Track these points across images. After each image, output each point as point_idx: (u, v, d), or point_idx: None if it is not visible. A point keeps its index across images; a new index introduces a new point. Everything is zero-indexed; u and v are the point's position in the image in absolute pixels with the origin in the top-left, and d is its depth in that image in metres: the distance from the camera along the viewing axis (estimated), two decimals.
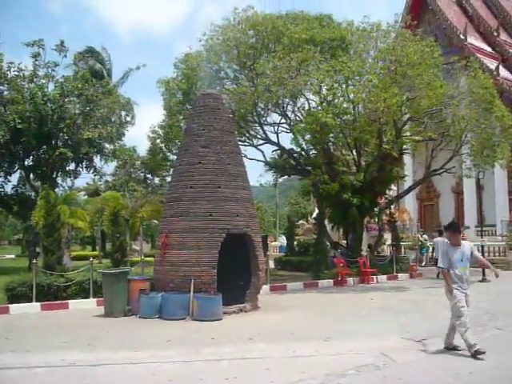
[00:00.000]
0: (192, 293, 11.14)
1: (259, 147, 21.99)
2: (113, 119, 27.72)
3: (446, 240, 8.47)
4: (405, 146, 21.20)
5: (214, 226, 11.67)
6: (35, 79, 25.12)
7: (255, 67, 17.11)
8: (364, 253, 20.33)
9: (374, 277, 18.69)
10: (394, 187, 28.27)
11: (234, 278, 12.23)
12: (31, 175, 26.72)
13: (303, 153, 20.88)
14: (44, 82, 25.44)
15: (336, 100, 16.55)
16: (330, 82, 16.13)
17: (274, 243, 33.99)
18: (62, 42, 26.14)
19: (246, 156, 22.50)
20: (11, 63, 25.03)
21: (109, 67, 43.99)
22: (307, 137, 18.69)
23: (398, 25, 17.33)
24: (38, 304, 12.55)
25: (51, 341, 9.00)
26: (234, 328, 10.19)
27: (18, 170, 26.68)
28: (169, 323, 10.72)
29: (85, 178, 76.87)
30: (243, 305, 12.03)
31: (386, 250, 25.41)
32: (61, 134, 25.11)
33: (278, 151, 21.73)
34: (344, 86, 16.69)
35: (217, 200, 11.85)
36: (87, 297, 13.17)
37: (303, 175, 21.68)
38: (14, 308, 12.33)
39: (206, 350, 8.19)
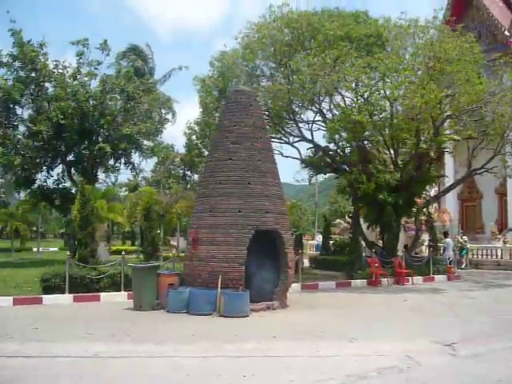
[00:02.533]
0: (219, 289, 11.14)
1: (295, 145, 21.89)
2: (152, 116, 28.05)
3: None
4: (445, 145, 20.66)
5: (243, 223, 11.64)
6: (78, 77, 25.68)
7: (290, 64, 16.97)
8: (400, 253, 19.95)
9: (410, 278, 18.29)
10: (435, 187, 27.63)
11: (264, 274, 12.16)
12: (72, 170, 27.29)
13: (338, 151, 20.62)
14: (86, 79, 26.02)
15: (371, 97, 16.21)
16: (365, 78, 15.83)
17: (310, 242, 33.75)
18: (105, 41, 26.63)
19: (281, 154, 22.49)
20: (56, 61, 25.70)
21: (151, 65, 44.72)
22: (340, 135, 18.42)
23: (436, 21, 16.85)
24: (71, 295, 12.80)
25: (77, 332, 9.13)
26: (259, 325, 10.14)
27: (60, 165, 27.29)
28: (195, 318, 10.75)
29: (127, 174, 78.15)
30: (271, 302, 11.95)
31: (425, 250, 24.80)
32: (101, 130, 25.57)
33: (313, 149, 21.49)
34: (380, 83, 16.35)
35: (246, 196, 11.81)
36: (118, 290, 13.36)
37: (339, 173, 21.43)
38: (47, 299, 12.62)
39: (227, 347, 8.16)
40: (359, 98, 16.98)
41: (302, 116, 19.96)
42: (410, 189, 19.71)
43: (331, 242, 25.87)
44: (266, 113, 19.08)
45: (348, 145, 20.14)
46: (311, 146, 20.89)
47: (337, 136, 19.27)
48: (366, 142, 19.86)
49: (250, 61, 18.46)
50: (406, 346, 8.32)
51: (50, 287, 13.06)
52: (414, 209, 20.86)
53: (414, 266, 19.02)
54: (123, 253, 13.99)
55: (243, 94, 12.74)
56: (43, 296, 12.73)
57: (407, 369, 7.02)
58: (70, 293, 12.86)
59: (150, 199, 19.33)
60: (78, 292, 13.03)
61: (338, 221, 34.97)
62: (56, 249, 44.17)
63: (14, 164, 23.58)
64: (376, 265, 17.61)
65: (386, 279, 17.75)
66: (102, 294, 13.16)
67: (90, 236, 13.81)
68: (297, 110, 19.34)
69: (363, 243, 21.16)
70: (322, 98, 18.27)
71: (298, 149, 21.47)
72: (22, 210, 35.10)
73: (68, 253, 13.86)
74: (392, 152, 20.07)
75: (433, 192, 26.44)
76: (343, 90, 17.15)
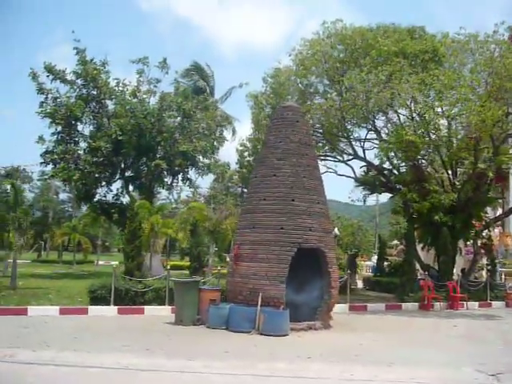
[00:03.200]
0: (259, 306, 10.97)
1: (349, 163, 21.53)
2: (210, 134, 28.38)
3: None
4: (508, 165, 19.68)
5: (285, 240, 11.46)
6: (138, 94, 26.47)
7: (343, 81, 16.71)
8: (455, 277, 19.08)
9: (464, 303, 17.40)
10: (498, 209, 26.32)
11: (307, 293, 11.86)
12: (130, 185, 27.98)
13: (394, 170, 20.08)
14: (145, 96, 26.78)
15: (426, 115, 15.65)
16: (419, 96, 15.32)
17: (367, 263, 32.95)
18: (165, 60, 27.40)
19: (336, 172, 22.16)
20: (117, 79, 26.65)
21: (212, 84, 45.60)
22: (394, 153, 17.94)
23: (497, 35, 16.13)
24: (115, 307, 12.99)
25: (114, 343, 9.24)
26: (296, 345, 9.88)
27: (119, 180, 28.06)
28: (233, 335, 10.64)
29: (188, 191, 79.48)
30: (313, 322, 11.65)
31: (485, 275, 23.61)
32: (158, 147, 26.13)
33: (366, 167, 21.03)
34: (436, 101, 15.76)
35: (289, 213, 11.64)
36: (163, 303, 13.42)
37: (393, 193, 20.84)
38: (93, 310, 12.87)
39: (260, 365, 7.99)
40: (414, 115, 16.47)
41: (354, 134, 19.61)
42: (467, 210, 18.86)
43: (386, 263, 25.14)
44: (316, 130, 18.89)
45: (403, 163, 19.55)
46: (364, 164, 20.47)
47: (391, 154, 18.75)
48: (421, 161, 19.22)
49: (302, 77, 18.35)
50: (446, 373, 7.90)
51: (97, 298, 13.32)
52: (472, 231, 19.89)
53: (471, 291, 18.09)
54: (168, 267, 14.08)
55: (290, 110, 12.65)
56: (89, 307, 12.99)
57: None
58: (115, 305, 13.06)
59: (200, 215, 19.41)
60: (122, 304, 13.21)
61: (395, 242, 33.96)
62: (117, 262, 45.15)
63: (72, 179, 24.44)
64: (429, 288, 16.86)
65: (439, 303, 16.97)
66: (147, 308, 13.27)
67: (137, 249, 14.00)
68: (349, 127, 19.03)
69: (418, 265, 20.38)
70: (375, 115, 17.88)
71: (352, 167, 21.12)
72: (83, 224, 36.25)
73: (114, 265, 14.05)
74: (450, 172, 19.33)
75: (496, 213, 25.21)
76: (397, 107, 16.68)
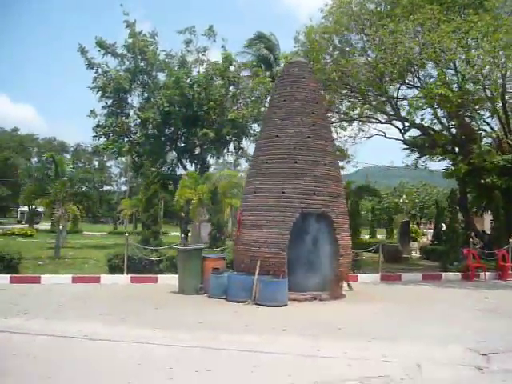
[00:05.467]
0: (256, 275, 10.39)
1: (398, 125, 20.07)
2: (260, 101, 27.66)
3: None
4: None
5: (287, 205, 10.75)
6: (184, 64, 26.26)
7: (372, 35, 15.30)
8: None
9: None
10: None
11: (317, 262, 11.08)
12: (183, 156, 28.02)
13: (443, 130, 18.42)
14: (193, 66, 26.54)
15: (459, 66, 13.96)
16: (451, 44, 13.65)
17: (431, 231, 31.19)
18: (211, 27, 26.98)
19: (385, 134, 20.85)
20: (164, 50, 26.59)
21: (277, 52, 44.55)
22: (441, 113, 16.36)
23: None
24: (128, 276, 12.93)
25: (95, 311, 9.09)
26: (284, 317, 9.22)
27: (174, 152, 28.18)
28: (228, 305, 10.20)
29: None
30: (319, 292, 10.88)
31: None
32: (206, 116, 25.84)
33: (406, 128, 19.44)
34: (470, 49, 14.03)
35: (291, 177, 10.88)
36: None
37: (445, 155, 19.18)
38: (106, 278, 12.89)
39: (223, 337, 7.47)
40: (446, 67, 14.83)
41: (394, 92, 18.08)
42: None
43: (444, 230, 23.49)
44: (354, 90, 17.56)
45: (453, 122, 17.88)
46: (408, 124, 18.92)
47: (441, 112, 17.14)
48: (471, 119, 17.46)
49: (335, 33, 16.98)
50: (431, 351, 6.96)
51: (112, 267, 13.34)
52: None
53: None
54: (183, 235, 13.79)
55: (296, 66, 11.78)
56: (101, 275, 13.01)
57: (400, 380, 5.75)
58: (128, 273, 13.00)
59: (226, 183, 18.87)
60: (136, 273, 13.12)
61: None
62: (177, 233, 46.07)
63: (123, 150, 24.82)
64: (473, 256, 15.42)
65: (485, 273, 15.49)
66: (160, 276, 13.11)
67: (152, 217, 13.80)
68: (388, 85, 17.56)
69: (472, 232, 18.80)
70: (410, 69, 16.32)
71: (400, 129, 19.61)
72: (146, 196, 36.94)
73: (127, 235, 13.95)
74: (503, 129, 17.44)
75: None
76: (425, 59, 15.00)
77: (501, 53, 13.34)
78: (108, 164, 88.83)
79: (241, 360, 6.43)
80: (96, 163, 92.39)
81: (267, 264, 10.57)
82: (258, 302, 10.15)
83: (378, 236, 31.02)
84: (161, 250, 13.54)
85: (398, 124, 19.37)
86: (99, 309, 9.35)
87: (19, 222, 59.56)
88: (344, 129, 20.22)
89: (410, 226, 29.05)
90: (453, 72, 15.10)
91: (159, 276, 13.12)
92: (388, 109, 18.80)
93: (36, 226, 45.36)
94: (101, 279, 12.85)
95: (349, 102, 19.18)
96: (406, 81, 17.49)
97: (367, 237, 29.39)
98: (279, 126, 11.29)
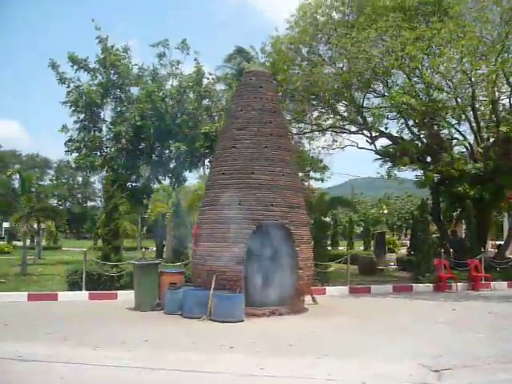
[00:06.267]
0: (212, 290, 10.05)
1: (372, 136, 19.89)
2: None
3: None
4: None
5: (243, 217, 10.41)
6: (156, 77, 26.00)
7: (335, 44, 15.15)
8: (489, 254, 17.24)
9: (490, 283, 15.57)
10: None
11: (275, 276, 10.79)
12: (157, 170, 27.61)
13: (413, 138, 18.28)
14: (166, 80, 26.29)
15: (422, 74, 13.81)
16: (413, 51, 13.50)
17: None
18: (184, 41, 26.79)
19: (357, 145, 20.70)
20: (136, 64, 26.35)
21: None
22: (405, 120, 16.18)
23: None
24: (87, 293, 12.51)
25: (40, 331, 8.69)
26: (236, 333, 8.87)
27: (146, 166, 27.77)
28: (182, 321, 9.82)
29: None
30: (277, 307, 10.54)
31: None
32: (179, 130, 25.53)
33: (373, 138, 19.26)
34: (433, 57, 13.92)
35: (248, 188, 10.58)
36: None
37: (416, 165, 18.97)
38: (63, 295, 12.45)
39: (166, 356, 7.13)
40: (411, 75, 14.69)
41: (361, 101, 17.90)
42: (496, 180, 16.83)
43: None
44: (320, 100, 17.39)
45: (422, 132, 17.75)
46: (375, 134, 18.75)
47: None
48: (437, 128, 17.32)
49: (300, 44, 16.81)
50: (380, 368, 6.64)
51: (70, 283, 12.94)
52: (505, 203, 17.83)
53: (499, 270, 16.21)
54: (143, 250, 13.44)
55: (254, 76, 11.53)
56: (59, 292, 12.59)
57: None
58: (86, 290, 12.59)
59: (193, 195, 18.56)
60: (98, 289, 12.73)
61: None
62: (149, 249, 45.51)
63: (95, 165, 24.40)
64: (445, 267, 15.21)
65: (458, 284, 15.28)
66: (120, 292, 12.71)
67: (113, 232, 13.43)
68: (355, 94, 17.42)
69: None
70: (375, 78, 16.18)
71: (367, 138, 19.40)
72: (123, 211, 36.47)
73: (85, 250, 13.56)
74: (475, 136, 17.34)
75: None
76: (384, 68, 14.81)
77: (465, 60, 13.24)
78: (92, 179, 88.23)
79: (176, 381, 6.12)
80: (80, 179, 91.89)
81: (223, 278, 10.23)
82: (213, 317, 9.79)
83: (357, 248, 30.86)
84: (122, 266, 13.15)
85: (368, 134, 19.19)
86: (46, 328, 8.92)
87: (1, 239, 58.58)
88: (313, 139, 20.01)
89: (388, 237, 28.96)
90: (419, 80, 14.94)
91: (119, 292, 12.71)
92: (357, 118, 18.63)
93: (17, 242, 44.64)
94: (58, 296, 12.41)
95: (318, 112, 19.00)
96: (375, 89, 17.35)
97: (344, 248, 29.18)
98: (236, 137, 11.02)
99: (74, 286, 12.86)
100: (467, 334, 8.96)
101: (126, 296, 12.32)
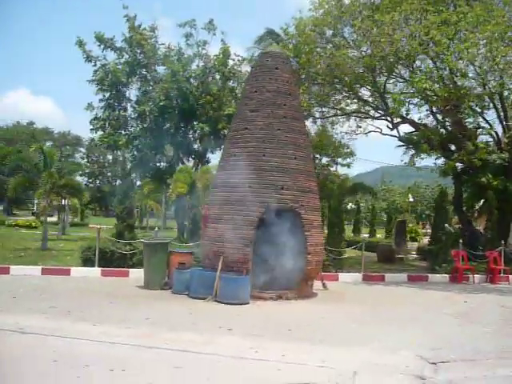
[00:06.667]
0: (219, 271, 10.04)
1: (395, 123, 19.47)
2: None
3: None
4: None
5: (253, 199, 10.33)
6: (182, 58, 25.91)
7: (358, 26, 14.77)
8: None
9: (510, 276, 15.19)
10: None
11: (285, 259, 10.66)
12: (181, 150, 27.66)
13: (436, 125, 17.83)
14: (192, 60, 26.17)
15: (445, 59, 13.33)
16: (437, 36, 13.05)
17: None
18: (211, 21, 26.59)
19: (381, 131, 20.34)
20: (163, 44, 26.27)
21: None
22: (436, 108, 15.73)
23: None
24: (99, 269, 12.67)
25: (46, 304, 8.79)
26: (239, 315, 8.85)
27: (170, 145, 27.83)
28: (187, 301, 9.88)
29: None
30: (285, 291, 10.48)
31: None
32: (203, 110, 25.47)
33: (396, 124, 18.81)
34: (458, 42, 13.42)
35: (259, 170, 10.47)
36: None
37: (432, 151, 18.46)
38: (76, 271, 12.64)
39: (162, 335, 7.15)
40: (436, 60, 14.23)
41: (384, 86, 17.45)
42: None
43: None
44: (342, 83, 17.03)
45: (446, 119, 17.28)
46: (399, 120, 18.31)
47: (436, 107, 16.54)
48: (461, 116, 16.81)
49: (325, 26, 16.47)
50: (376, 358, 6.52)
51: (84, 260, 13.13)
52: None
53: None
54: (156, 228, 13.51)
55: (269, 56, 11.35)
56: (72, 268, 12.77)
57: None
58: (99, 266, 12.74)
59: (210, 176, 18.51)
60: (109, 266, 12.87)
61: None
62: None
63: (119, 144, 24.57)
64: (462, 258, 14.87)
65: (476, 276, 14.95)
66: (132, 270, 12.83)
67: (128, 211, 13.53)
68: (379, 79, 17.01)
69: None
70: (398, 63, 15.73)
71: (390, 124, 18.98)
72: (147, 190, 36.82)
73: (98, 227, 13.71)
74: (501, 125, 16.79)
75: None
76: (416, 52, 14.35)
77: (491, 46, 12.72)
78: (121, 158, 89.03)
79: (166, 360, 6.09)
80: (110, 157, 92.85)
81: (231, 260, 10.22)
82: (218, 299, 9.80)
83: (378, 235, 30.50)
84: (135, 244, 13.25)
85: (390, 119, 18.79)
86: (52, 302, 9.05)
87: (33, 214, 59.86)
88: (336, 124, 19.72)
89: (411, 225, 28.49)
90: (443, 66, 14.47)
91: (131, 270, 12.83)
92: (380, 103, 18.23)
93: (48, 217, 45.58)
94: (71, 272, 12.60)
95: (341, 96, 18.65)
96: (400, 75, 16.90)
97: (366, 235, 28.87)
98: (249, 118, 10.90)
99: (87, 262, 13.04)
100: (473, 328, 8.74)
101: (138, 274, 12.41)
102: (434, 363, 6.42)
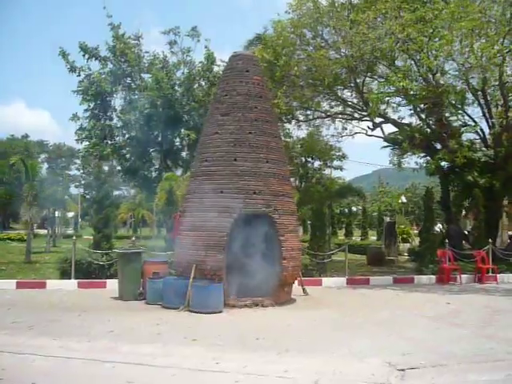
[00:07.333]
0: (191, 279, 9.78)
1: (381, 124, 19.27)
2: None
3: None
4: None
5: (224, 205, 10.09)
6: (166, 65, 25.75)
7: (333, 26, 14.58)
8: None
9: (498, 275, 14.91)
10: None
11: (259, 266, 10.38)
12: (168, 158, 27.45)
13: (420, 124, 17.59)
14: (177, 67, 26.00)
15: (421, 57, 13.13)
16: (413, 34, 12.83)
17: None
18: (195, 27, 26.45)
19: (366, 132, 20.13)
20: (147, 52, 26.11)
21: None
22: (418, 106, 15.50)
23: None
24: (76, 281, 12.40)
25: (7, 320, 8.54)
26: (208, 325, 8.58)
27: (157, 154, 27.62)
28: (159, 312, 9.61)
29: None
30: (260, 298, 10.22)
31: None
32: (188, 117, 25.29)
33: (377, 124, 18.58)
34: (438, 39, 13.21)
35: (230, 175, 10.24)
36: None
37: (413, 150, 18.15)
38: (52, 283, 12.38)
39: (122, 348, 6.89)
40: (409, 59, 14.01)
41: (362, 85, 17.19)
42: (507, 168, 16.09)
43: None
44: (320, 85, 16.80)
45: (430, 118, 17.06)
46: (381, 120, 18.08)
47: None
48: (447, 115, 16.61)
49: (301, 28, 16.22)
50: (341, 366, 6.25)
51: (61, 272, 12.89)
52: None
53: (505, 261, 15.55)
54: (133, 238, 13.27)
55: (240, 59, 11.12)
56: (47, 281, 12.51)
57: None
58: (75, 278, 12.48)
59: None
60: (86, 278, 12.61)
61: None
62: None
63: (103, 154, 24.33)
64: (449, 258, 14.60)
65: (464, 276, 14.68)
66: (109, 281, 12.54)
67: (103, 221, 13.27)
68: (358, 81, 16.80)
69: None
70: (377, 62, 15.53)
71: (371, 124, 18.77)
72: (139, 199, 36.65)
73: (74, 238, 13.44)
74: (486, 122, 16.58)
75: None
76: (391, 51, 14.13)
77: (465, 42, 12.53)
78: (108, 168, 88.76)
79: (119, 374, 5.86)
80: (106, 168, 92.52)
81: (204, 268, 9.96)
82: (191, 308, 9.55)
83: (372, 238, 30.21)
84: (112, 254, 12.98)
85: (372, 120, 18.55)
86: (16, 316, 8.78)
87: None
88: (321, 127, 19.52)
89: (402, 227, 28.22)
90: (422, 63, 14.25)
91: (108, 281, 12.56)
92: (359, 104, 18.01)
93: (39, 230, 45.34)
94: (47, 284, 12.33)
95: (321, 98, 18.43)
96: (379, 74, 16.68)
97: (358, 238, 28.60)
98: (220, 122, 10.68)
99: (64, 274, 12.78)
100: (450, 330, 8.47)
101: (115, 285, 12.13)
102: (402, 370, 6.17)
